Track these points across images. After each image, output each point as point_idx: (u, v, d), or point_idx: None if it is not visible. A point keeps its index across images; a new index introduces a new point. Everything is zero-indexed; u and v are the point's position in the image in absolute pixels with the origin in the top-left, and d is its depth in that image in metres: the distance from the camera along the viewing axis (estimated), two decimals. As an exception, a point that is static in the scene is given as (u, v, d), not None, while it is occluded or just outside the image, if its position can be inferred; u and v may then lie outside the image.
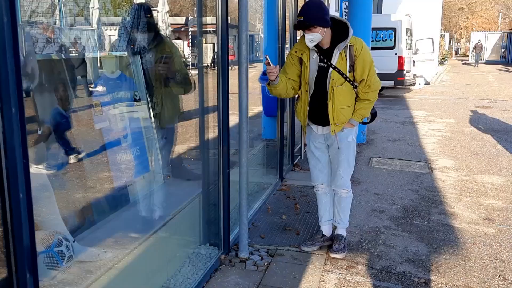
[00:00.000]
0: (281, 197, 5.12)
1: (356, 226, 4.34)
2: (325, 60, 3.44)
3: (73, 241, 2.58)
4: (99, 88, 2.98)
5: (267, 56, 3.29)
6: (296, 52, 3.53)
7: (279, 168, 5.69)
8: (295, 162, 6.40)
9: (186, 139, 4.57)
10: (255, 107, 8.75)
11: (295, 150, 6.57)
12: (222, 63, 3.44)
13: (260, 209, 4.69)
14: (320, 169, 3.73)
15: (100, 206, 2.98)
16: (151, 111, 3.62)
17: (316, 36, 3.32)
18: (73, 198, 2.75)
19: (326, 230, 3.85)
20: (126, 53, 3.49)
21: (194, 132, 3.87)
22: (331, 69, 3.41)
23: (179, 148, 4.12)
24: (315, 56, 3.46)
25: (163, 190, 3.61)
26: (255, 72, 7.92)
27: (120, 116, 3.28)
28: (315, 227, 4.21)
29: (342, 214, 3.77)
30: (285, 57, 5.52)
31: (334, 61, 3.41)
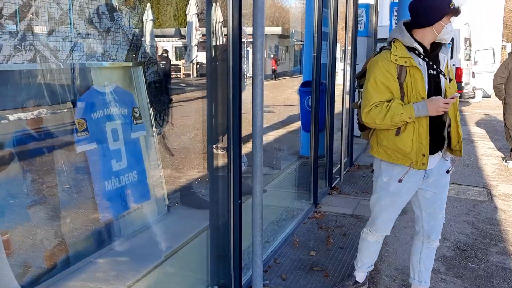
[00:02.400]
0: (313, 227, 4.51)
1: (398, 268, 3.65)
2: (434, 66, 2.69)
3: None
4: (80, 105, 2.54)
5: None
6: (397, 60, 2.64)
7: (313, 192, 5.07)
8: (333, 185, 5.75)
9: (196, 161, 4.07)
10: (295, 122, 8.22)
11: (334, 171, 5.93)
12: (233, 76, 2.92)
13: (286, 241, 4.09)
14: (394, 218, 3.00)
15: (79, 244, 2.52)
16: (154, 130, 3.16)
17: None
18: (42, 235, 2.30)
19: (362, 277, 3.20)
20: (127, 63, 3.05)
21: (204, 153, 3.35)
22: (441, 77, 2.71)
23: (189, 171, 3.63)
24: (421, 62, 2.68)
25: (166, 220, 3.13)
26: (294, 82, 7.40)
27: (112, 136, 2.83)
28: (348, 267, 3.58)
29: (429, 271, 3.06)
30: (319, 67, 4.94)
31: (442, 67, 2.72)
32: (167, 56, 12.31)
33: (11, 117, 2.19)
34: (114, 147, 2.80)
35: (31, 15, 2.24)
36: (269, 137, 7.02)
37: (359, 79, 2.98)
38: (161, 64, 11.72)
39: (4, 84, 2.16)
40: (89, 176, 2.60)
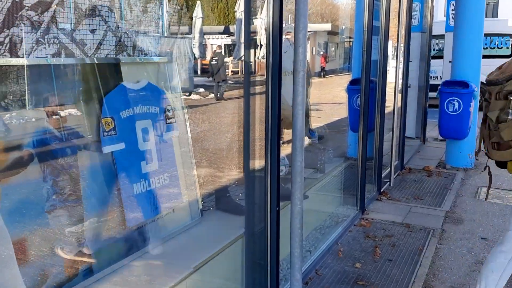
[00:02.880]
0: (359, 235, 4.20)
1: (453, 286, 3.30)
2: None
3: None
4: (108, 103, 2.37)
5: None
6: None
7: (360, 197, 4.74)
8: (382, 190, 5.40)
9: (235, 162, 3.85)
10: (343, 121, 7.89)
11: (383, 175, 5.57)
12: (272, 74, 2.68)
13: (330, 250, 3.81)
14: None
15: (103, 251, 2.36)
16: (188, 129, 2.97)
17: None
18: (63, 242, 2.16)
19: None
20: (160, 58, 2.87)
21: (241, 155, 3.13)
22: None
23: (225, 174, 3.42)
24: None
25: (199, 225, 2.94)
26: (343, 80, 7.10)
27: (143, 136, 2.66)
28: (397, 283, 3.26)
29: None
30: (369, 64, 4.61)
31: None
32: (221, 52, 12.19)
33: (33, 117, 2.06)
34: (144, 148, 2.63)
35: (55, 6, 2.11)
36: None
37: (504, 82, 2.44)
38: (213, 60, 11.63)
39: (25, 79, 2.02)
40: (116, 178, 2.44)
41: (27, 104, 2.02)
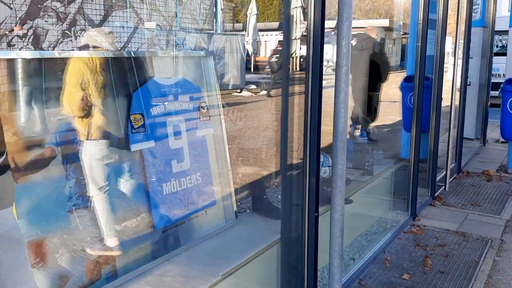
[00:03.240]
0: (408, 243, 3.90)
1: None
2: None
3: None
4: (137, 98, 2.26)
5: None
6: None
7: (411, 201, 4.43)
8: (436, 194, 5.04)
9: (274, 162, 3.66)
10: (396, 120, 7.55)
11: (438, 178, 5.20)
12: (313, 70, 2.48)
13: (375, 259, 3.56)
14: None
15: (129, 254, 2.24)
16: (224, 126, 2.82)
17: None
18: (85, 243, 2.06)
19: None
20: (195, 52, 2.74)
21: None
22: None
23: (264, 174, 3.25)
24: None
25: (234, 228, 2.78)
26: (399, 78, 6.78)
27: (174, 134, 2.53)
28: (448, 299, 2.98)
29: None
30: (423, 60, 4.29)
31: None
32: (282, 49, 12.03)
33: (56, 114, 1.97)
34: (175, 146, 2.50)
35: (83, -3, 2.02)
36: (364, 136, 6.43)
37: None
38: (274, 58, 11.49)
39: (50, 72, 1.94)
40: (144, 177, 2.33)
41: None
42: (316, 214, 2.59)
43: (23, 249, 1.66)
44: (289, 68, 2.67)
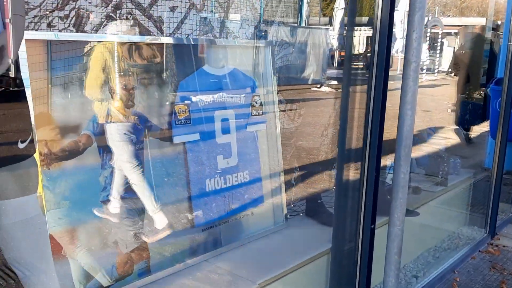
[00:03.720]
0: (483, 264, 3.49)
1: None
2: None
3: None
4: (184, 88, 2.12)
5: None
6: None
7: (491, 217, 3.98)
8: (521, 210, 4.52)
9: (332, 163, 3.39)
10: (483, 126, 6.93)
11: (525, 193, 4.66)
12: (377, 67, 2.22)
13: (442, 279, 3.20)
14: None
15: (164, 250, 2.13)
16: (278, 123, 2.62)
17: None
18: (118, 237, 1.97)
19: None
20: (252, 42, 2.56)
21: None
22: None
23: (320, 176, 3.01)
24: None
25: (282, 232, 2.59)
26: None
27: (222, 128, 2.38)
28: (523, 335, 2.59)
29: None
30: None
31: None
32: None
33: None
34: (222, 141, 2.36)
35: (129, -22, 1.92)
36: (439, 141, 5.94)
37: None
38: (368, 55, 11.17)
39: (79, 60, 1.86)
40: (187, 172, 2.21)
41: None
42: (373, 226, 2.33)
43: (47, 238, 1.59)
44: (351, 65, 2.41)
